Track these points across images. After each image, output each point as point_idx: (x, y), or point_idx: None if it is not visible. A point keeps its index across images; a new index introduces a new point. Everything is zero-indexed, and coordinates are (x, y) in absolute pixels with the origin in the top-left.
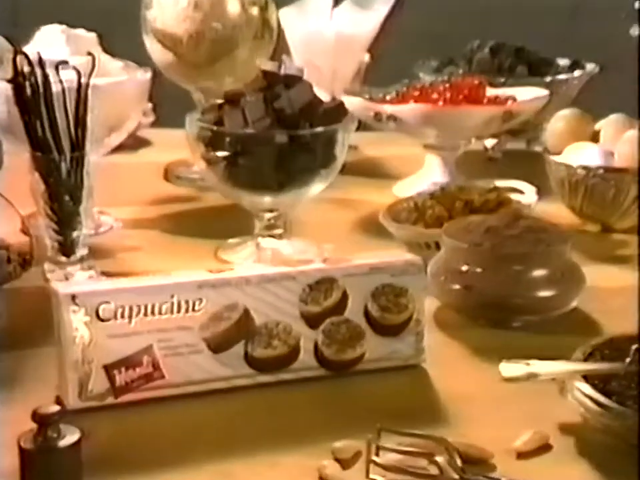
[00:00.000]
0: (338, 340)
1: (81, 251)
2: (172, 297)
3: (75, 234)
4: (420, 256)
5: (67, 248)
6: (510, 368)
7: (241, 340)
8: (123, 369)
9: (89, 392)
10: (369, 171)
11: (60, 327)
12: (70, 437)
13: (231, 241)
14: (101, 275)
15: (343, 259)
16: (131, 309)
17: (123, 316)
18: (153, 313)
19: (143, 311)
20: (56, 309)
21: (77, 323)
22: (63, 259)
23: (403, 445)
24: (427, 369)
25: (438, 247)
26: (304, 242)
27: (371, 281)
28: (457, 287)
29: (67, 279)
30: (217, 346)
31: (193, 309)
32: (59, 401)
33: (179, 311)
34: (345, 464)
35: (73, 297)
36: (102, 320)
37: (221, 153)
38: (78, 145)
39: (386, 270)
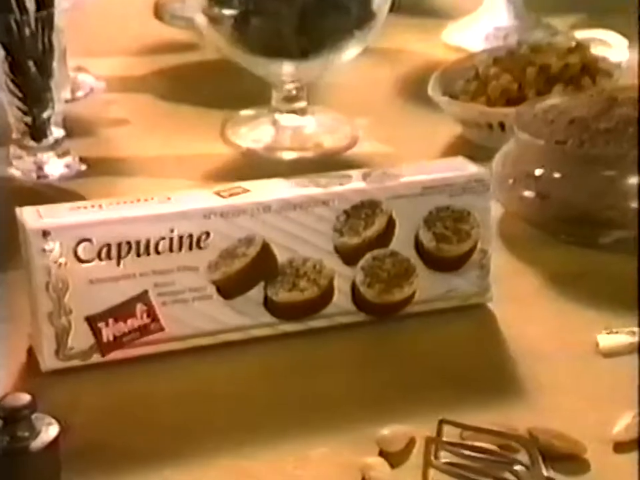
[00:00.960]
0: (381, 278)
1: (55, 134)
2: (171, 230)
3: (45, 114)
4: (478, 138)
5: (36, 131)
6: (608, 339)
7: (260, 281)
8: (110, 321)
9: (69, 349)
10: (416, 10)
11: (30, 268)
12: (45, 433)
13: (242, 113)
14: (80, 163)
15: (388, 175)
16: (119, 246)
17: (108, 256)
18: (147, 251)
19: (134, 248)
20: (24, 245)
21: (50, 265)
22: (32, 143)
23: (469, 439)
24: (494, 309)
25: (503, 127)
26: (332, 116)
27: (424, 204)
28: (530, 194)
29: (39, 169)
30: (230, 290)
31: (198, 245)
32: (30, 355)
33: (180, 248)
34: (394, 459)
35: (45, 233)
36: (82, 261)
37: (228, 11)
38: (44, 2)
39: (443, 189)
